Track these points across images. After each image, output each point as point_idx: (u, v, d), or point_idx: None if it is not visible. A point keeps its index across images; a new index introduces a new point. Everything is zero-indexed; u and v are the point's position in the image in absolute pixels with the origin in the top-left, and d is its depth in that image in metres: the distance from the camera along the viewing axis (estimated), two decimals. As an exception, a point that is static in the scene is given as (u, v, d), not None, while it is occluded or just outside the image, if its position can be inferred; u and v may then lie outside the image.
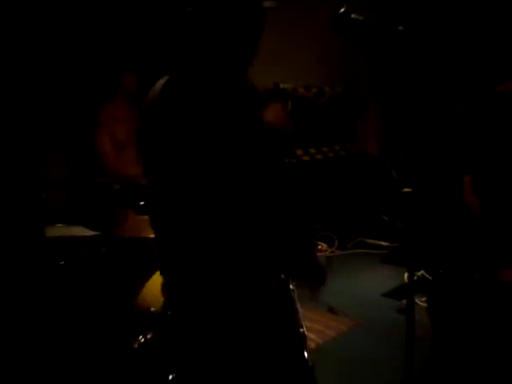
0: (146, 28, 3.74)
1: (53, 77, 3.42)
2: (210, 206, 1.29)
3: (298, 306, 1.59)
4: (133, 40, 3.72)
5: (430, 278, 3.51)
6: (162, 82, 1.39)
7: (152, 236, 2.56)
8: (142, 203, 2.68)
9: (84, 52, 3.60)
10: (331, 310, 3.42)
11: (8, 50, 1.99)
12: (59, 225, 2.90)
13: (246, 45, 1.38)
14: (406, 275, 3.62)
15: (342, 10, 1.44)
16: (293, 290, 1.57)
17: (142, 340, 1.91)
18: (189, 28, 1.37)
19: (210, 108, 1.26)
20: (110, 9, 3.67)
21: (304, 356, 1.50)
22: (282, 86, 4.68)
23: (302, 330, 1.54)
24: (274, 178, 1.32)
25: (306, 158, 4.83)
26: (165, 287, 1.50)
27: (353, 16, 1.42)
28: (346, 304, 3.52)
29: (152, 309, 1.93)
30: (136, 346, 1.92)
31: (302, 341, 1.53)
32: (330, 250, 4.60)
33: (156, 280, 2.09)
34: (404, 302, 3.37)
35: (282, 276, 1.48)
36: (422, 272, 3.60)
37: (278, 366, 1.40)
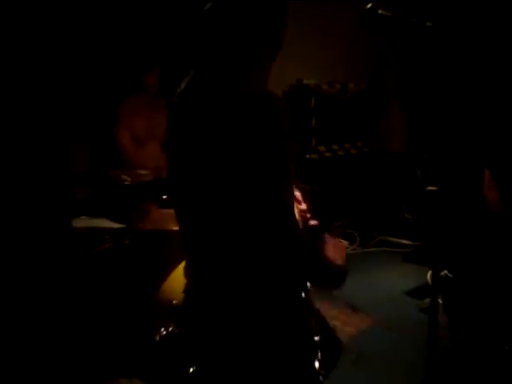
0: (168, 22, 3.75)
1: (74, 71, 3.46)
2: (219, 208, 1.32)
3: (316, 305, 1.56)
4: (155, 35, 3.73)
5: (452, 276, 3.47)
6: (183, 83, 1.40)
7: (175, 229, 2.59)
8: (164, 197, 2.70)
9: (105, 47, 3.63)
10: (352, 308, 3.40)
11: (31, 46, 2.02)
12: (83, 217, 2.95)
13: (266, 43, 1.36)
14: (428, 274, 3.59)
15: (369, 5, 1.42)
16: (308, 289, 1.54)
17: (164, 332, 1.93)
18: (207, 25, 1.36)
19: (224, 117, 1.27)
20: (132, 3, 3.70)
21: (313, 367, 1.45)
22: (305, 82, 4.66)
23: (316, 338, 1.48)
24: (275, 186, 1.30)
25: (329, 154, 4.80)
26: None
27: (380, 12, 1.41)
28: (366, 302, 3.50)
29: (174, 301, 1.95)
30: (158, 338, 1.94)
31: (313, 350, 1.45)
32: (351, 248, 4.57)
33: (178, 273, 2.11)
34: (426, 301, 3.36)
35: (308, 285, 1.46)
36: (445, 272, 3.55)
37: (288, 370, 1.39)
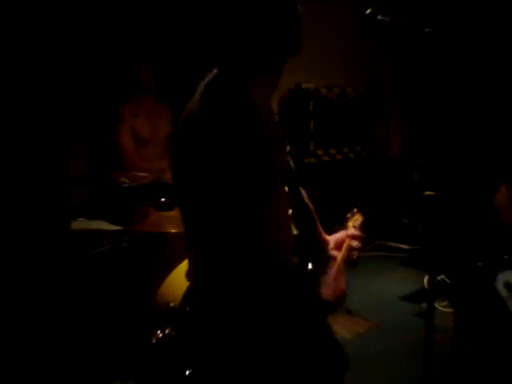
0: (163, 20, 3.76)
1: (75, 72, 3.46)
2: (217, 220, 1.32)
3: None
4: (151, 32, 3.74)
5: (450, 282, 3.47)
6: (198, 94, 1.40)
7: (172, 231, 2.59)
8: (163, 199, 2.71)
9: (104, 47, 3.64)
10: (348, 312, 3.40)
11: (32, 47, 2.03)
12: (81, 219, 2.95)
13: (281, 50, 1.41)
14: (425, 279, 3.59)
15: (369, 11, 1.43)
16: None
17: (161, 335, 1.93)
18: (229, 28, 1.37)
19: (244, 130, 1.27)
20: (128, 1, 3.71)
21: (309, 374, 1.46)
22: (304, 86, 4.66)
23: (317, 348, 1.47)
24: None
25: (327, 158, 4.81)
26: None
27: (379, 17, 1.41)
28: (363, 306, 3.50)
29: (171, 304, 1.95)
30: (154, 341, 1.94)
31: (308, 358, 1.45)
32: (348, 252, 4.56)
33: (175, 275, 2.12)
34: (423, 305, 3.36)
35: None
36: (442, 276, 3.56)
37: (282, 375, 1.39)
